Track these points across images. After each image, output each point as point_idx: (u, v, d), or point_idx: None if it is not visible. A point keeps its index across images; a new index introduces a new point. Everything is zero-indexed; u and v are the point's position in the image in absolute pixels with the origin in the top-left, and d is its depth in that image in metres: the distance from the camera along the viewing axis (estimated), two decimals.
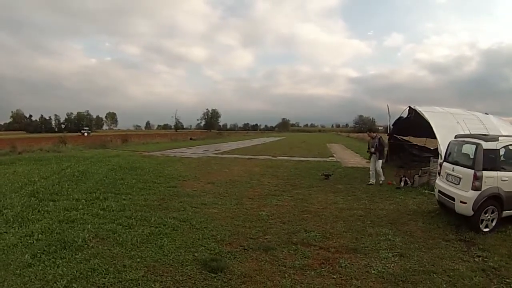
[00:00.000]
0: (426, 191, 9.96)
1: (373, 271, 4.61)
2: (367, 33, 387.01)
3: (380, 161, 11.50)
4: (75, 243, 5.34)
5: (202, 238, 5.76)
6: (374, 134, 12.01)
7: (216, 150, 26.29)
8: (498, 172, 6.38)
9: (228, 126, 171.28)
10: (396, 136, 16.87)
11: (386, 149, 11.42)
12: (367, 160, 11.98)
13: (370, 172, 11.58)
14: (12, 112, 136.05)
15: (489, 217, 6.33)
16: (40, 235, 5.66)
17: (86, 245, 5.30)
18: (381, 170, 11.40)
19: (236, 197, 9.12)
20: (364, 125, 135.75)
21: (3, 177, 11.26)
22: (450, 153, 7.71)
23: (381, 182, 11.34)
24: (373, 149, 11.56)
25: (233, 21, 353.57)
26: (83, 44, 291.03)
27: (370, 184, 11.26)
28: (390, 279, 4.39)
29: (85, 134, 73.58)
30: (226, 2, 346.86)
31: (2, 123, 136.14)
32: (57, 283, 4.06)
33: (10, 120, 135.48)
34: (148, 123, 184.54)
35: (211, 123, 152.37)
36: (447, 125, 10.77)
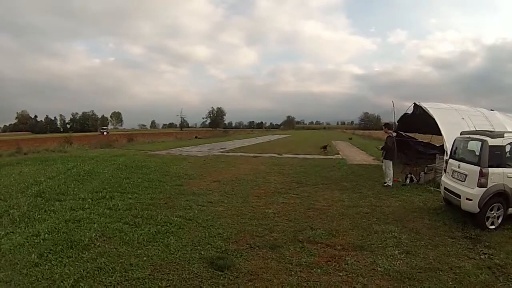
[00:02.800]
0: (432, 188, 9.93)
1: (379, 269, 4.62)
2: (371, 30, 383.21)
3: (386, 161, 10.83)
4: (81, 242, 5.38)
5: (208, 236, 5.79)
6: (390, 131, 11.32)
7: (221, 148, 26.32)
8: (504, 168, 6.33)
9: (234, 124, 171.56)
10: (402, 132, 16.79)
11: (391, 149, 10.73)
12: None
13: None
14: (17, 113, 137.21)
15: (495, 214, 6.31)
16: (46, 235, 5.70)
17: (92, 244, 5.34)
18: (388, 171, 10.73)
19: (242, 195, 9.15)
20: (370, 122, 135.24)
21: (9, 178, 11.34)
22: (455, 150, 7.67)
23: (385, 183, 10.69)
24: (380, 147, 11.41)
25: (236, 19, 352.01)
26: (87, 45, 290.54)
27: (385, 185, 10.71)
28: (396, 276, 4.39)
29: (104, 133, 74.80)
30: (228, 1, 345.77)
31: (7, 124, 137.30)
32: (64, 282, 4.09)
33: (16, 121, 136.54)
34: (153, 122, 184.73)
35: (216, 121, 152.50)
36: (452, 122, 10.69)
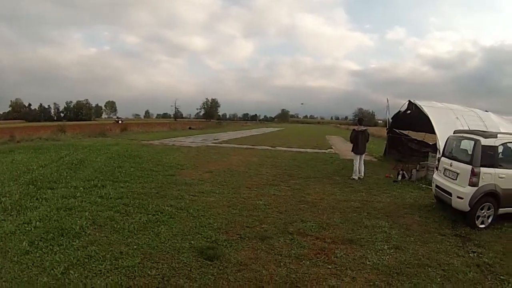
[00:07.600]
0: (424, 186, 10.00)
1: (368, 263, 4.65)
2: (370, 26, 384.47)
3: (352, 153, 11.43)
4: (72, 230, 5.35)
5: (199, 226, 5.79)
6: (356, 126, 11.86)
7: (215, 140, 26.30)
8: (496, 169, 6.39)
9: (228, 116, 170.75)
10: (395, 130, 16.87)
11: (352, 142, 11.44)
12: (366, 153, 11.92)
13: None
14: (11, 101, 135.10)
15: (485, 213, 6.36)
16: (38, 223, 5.65)
17: (83, 232, 5.31)
18: (354, 165, 11.18)
19: (233, 186, 9.15)
20: (364, 118, 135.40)
21: (1, 166, 11.21)
22: (448, 148, 7.71)
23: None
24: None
25: (234, 10, 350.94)
26: (83, 34, 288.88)
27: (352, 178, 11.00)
28: (385, 270, 4.43)
29: (119, 121, 75.75)
30: None
31: (1, 112, 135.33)
32: (54, 270, 4.07)
33: (9, 109, 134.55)
34: (147, 112, 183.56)
35: (210, 112, 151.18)
36: (446, 121, 10.76)
